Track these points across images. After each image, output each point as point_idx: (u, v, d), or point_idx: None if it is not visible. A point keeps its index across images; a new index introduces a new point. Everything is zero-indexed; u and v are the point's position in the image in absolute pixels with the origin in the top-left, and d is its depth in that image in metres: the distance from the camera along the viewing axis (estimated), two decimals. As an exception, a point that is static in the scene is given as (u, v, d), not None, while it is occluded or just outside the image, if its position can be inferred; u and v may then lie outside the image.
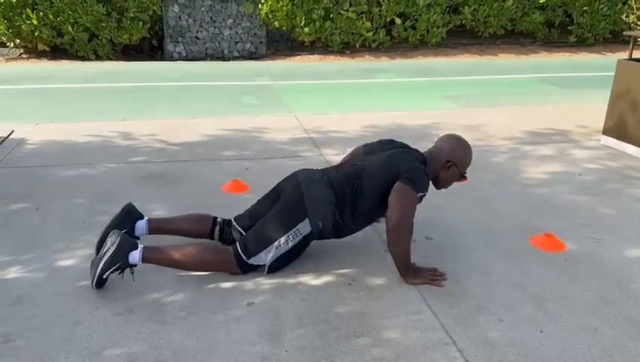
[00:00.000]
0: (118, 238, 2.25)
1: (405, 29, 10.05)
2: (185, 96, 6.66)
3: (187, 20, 9.18)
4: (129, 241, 2.28)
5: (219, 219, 2.64)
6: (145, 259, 2.29)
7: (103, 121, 5.03)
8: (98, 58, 8.98)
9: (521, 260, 2.62)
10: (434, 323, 2.13)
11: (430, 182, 2.53)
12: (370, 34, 9.78)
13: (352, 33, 9.69)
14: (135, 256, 2.27)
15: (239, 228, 2.57)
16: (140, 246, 2.31)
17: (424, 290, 2.35)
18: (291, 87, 7.23)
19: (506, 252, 2.70)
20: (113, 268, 2.24)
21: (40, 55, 9.04)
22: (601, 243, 2.81)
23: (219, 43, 9.40)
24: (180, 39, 9.23)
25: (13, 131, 4.58)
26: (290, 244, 2.39)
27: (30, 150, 4.14)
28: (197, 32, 9.26)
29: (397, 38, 10.16)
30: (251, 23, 9.43)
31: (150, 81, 7.40)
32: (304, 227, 2.39)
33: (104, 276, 2.23)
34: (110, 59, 9.03)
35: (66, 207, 3.09)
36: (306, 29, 9.26)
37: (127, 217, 2.57)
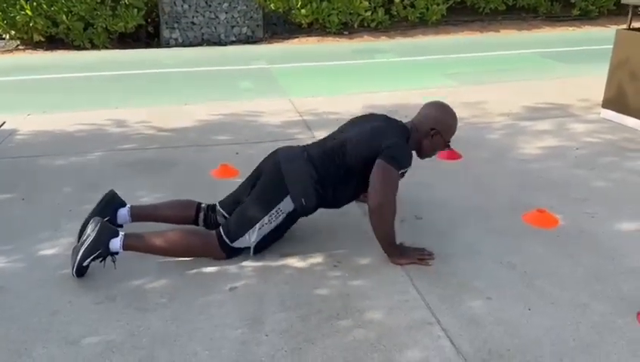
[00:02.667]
0: (98, 225, 2.21)
1: (404, 8, 9.88)
2: (179, 82, 6.59)
3: (182, 6, 9.07)
4: (109, 229, 2.25)
5: (203, 205, 2.60)
6: (126, 247, 2.26)
7: (95, 109, 4.98)
8: (94, 47, 8.91)
9: (512, 237, 2.56)
10: (419, 302, 2.08)
11: (414, 152, 2.47)
12: (369, 13, 9.63)
13: (350, 13, 9.54)
14: (116, 244, 2.24)
15: (223, 213, 2.53)
16: (121, 233, 2.27)
17: (411, 270, 2.30)
18: (288, 70, 7.14)
19: (497, 230, 2.64)
20: (93, 255, 2.20)
21: (36, 46, 8.98)
22: (596, 217, 2.75)
23: (215, 28, 9.30)
24: (175, 25, 9.14)
25: (4, 122, 4.55)
26: (274, 223, 2.35)
27: (20, 141, 4.11)
28: (192, 17, 9.16)
29: (396, 17, 9.99)
30: (247, 7, 9.31)
31: (145, 69, 7.33)
32: (286, 205, 2.34)
33: (84, 264, 2.20)
34: (106, 47, 8.96)
35: (52, 197, 3.06)
36: (303, 11, 9.12)
37: (109, 205, 2.53)
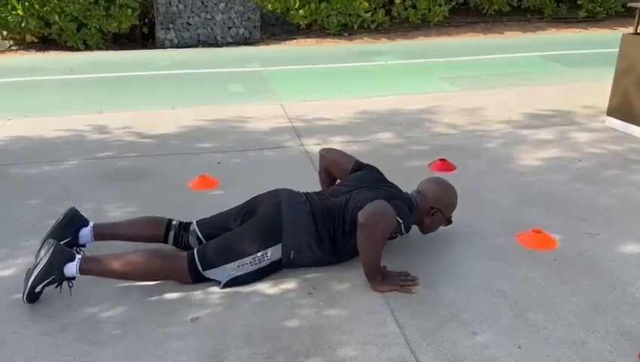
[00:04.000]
0: (51, 249, 2.03)
1: (405, 9, 9.66)
2: (169, 85, 6.42)
3: (177, 6, 8.89)
4: (64, 252, 2.06)
5: (174, 222, 2.41)
6: (82, 271, 2.07)
7: (78, 114, 4.81)
8: (87, 48, 8.74)
9: (504, 261, 2.36)
10: (398, 337, 1.88)
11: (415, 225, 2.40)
12: (369, 14, 9.42)
13: (350, 14, 9.33)
14: (72, 269, 2.05)
15: (199, 234, 2.34)
16: (78, 256, 2.09)
17: (392, 298, 2.10)
18: (282, 73, 6.95)
19: (488, 251, 2.44)
20: (46, 281, 2.02)
21: (29, 47, 8.83)
22: (597, 238, 2.53)
23: (211, 29, 9.11)
24: (171, 26, 8.96)
25: (-18, 127, 4.39)
26: (254, 267, 2.16)
27: (-4, 147, 3.94)
28: (188, 17, 8.98)
29: (397, 18, 9.78)
30: (244, 7, 9.12)
31: (136, 71, 7.15)
32: (275, 252, 2.18)
33: (36, 290, 2.02)
34: (100, 48, 8.79)
35: (17, 210, 2.88)
36: (301, 12, 8.93)
37: (70, 224, 2.33)
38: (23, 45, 8.91)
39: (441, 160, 3.45)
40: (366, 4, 9.21)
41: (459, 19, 10.31)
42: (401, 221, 2.15)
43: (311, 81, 6.60)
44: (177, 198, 3.02)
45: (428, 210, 2.36)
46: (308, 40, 9.27)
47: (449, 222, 2.44)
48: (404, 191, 2.41)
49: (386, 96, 5.33)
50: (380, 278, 2.15)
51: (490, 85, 5.84)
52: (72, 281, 2.09)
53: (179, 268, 2.14)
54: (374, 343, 1.86)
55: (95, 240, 2.38)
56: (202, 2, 8.96)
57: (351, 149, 3.79)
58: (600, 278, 2.22)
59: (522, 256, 2.40)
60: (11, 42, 9.07)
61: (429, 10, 9.72)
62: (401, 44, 9.22)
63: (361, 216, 2.05)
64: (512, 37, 9.68)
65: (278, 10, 9.12)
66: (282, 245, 2.18)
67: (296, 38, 9.36)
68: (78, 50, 8.74)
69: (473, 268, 2.30)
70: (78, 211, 2.39)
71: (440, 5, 9.68)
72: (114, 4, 8.57)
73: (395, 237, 2.37)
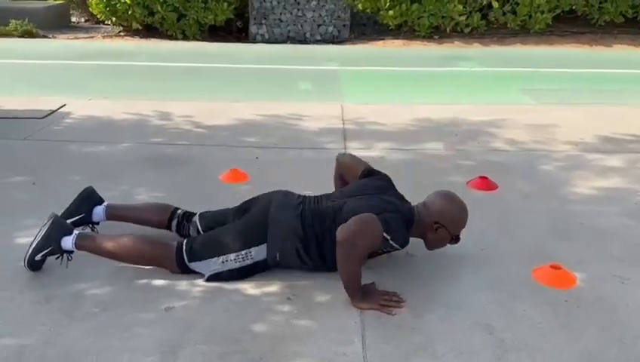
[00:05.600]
0: (50, 221, 2.18)
1: (504, 14, 9.15)
2: (245, 78, 6.62)
3: (271, 2, 9.13)
4: (62, 226, 2.20)
5: (179, 211, 2.48)
6: (78, 246, 2.20)
7: (151, 99, 5.10)
8: (185, 38, 9.26)
9: (507, 294, 2.16)
10: (357, 359, 1.79)
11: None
12: (463, 18, 9.05)
13: (443, 17, 9.03)
14: (68, 242, 2.19)
15: (199, 226, 2.39)
16: (75, 232, 2.22)
17: (370, 317, 2.00)
18: (357, 74, 6.90)
19: (494, 282, 2.25)
20: (45, 251, 2.17)
21: (134, 33, 9.53)
22: (626, 283, 2.24)
23: (301, 26, 9.25)
24: (263, 21, 9.23)
25: (64, 105, 4.80)
26: (237, 265, 2.17)
27: (67, 124, 4.29)
28: (280, 14, 9.19)
29: (494, 23, 9.29)
30: (335, 5, 9.15)
31: (220, 63, 7.44)
32: (259, 252, 2.17)
33: (36, 258, 2.17)
34: (196, 39, 9.27)
35: (60, 184, 3.11)
36: (391, 12, 8.78)
37: (85, 201, 2.49)
38: (130, 32, 9.63)
39: (481, 177, 3.23)
40: (460, 7, 8.85)
41: (563, 28, 9.58)
42: (388, 237, 2.05)
43: (383, 83, 6.49)
44: (204, 188, 3.11)
45: (431, 225, 2.20)
46: (395, 41, 9.10)
47: (455, 240, 2.26)
48: (410, 203, 2.30)
49: (453, 104, 5.09)
50: (361, 295, 2.05)
51: (574, 101, 5.37)
52: (71, 255, 2.22)
53: (167, 256, 2.19)
54: (334, 360, 1.79)
55: (107, 219, 2.51)
56: (295, 0, 9.14)
57: (392, 157, 3.70)
58: (610, 328, 1.96)
59: (530, 291, 2.18)
60: (120, 28, 9.85)
61: (530, 16, 9.13)
62: (494, 50, 8.76)
63: (339, 233, 1.98)
64: (622, 51, 8.81)
65: (369, 10, 9.05)
66: (267, 246, 2.17)
67: (384, 39, 9.23)
68: (176, 39, 9.29)
69: (468, 298, 2.13)
70: (94, 190, 2.55)
71: (542, 12, 9.05)
72: (212, -4, 9.00)
73: (388, 251, 2.25)
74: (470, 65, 7.42)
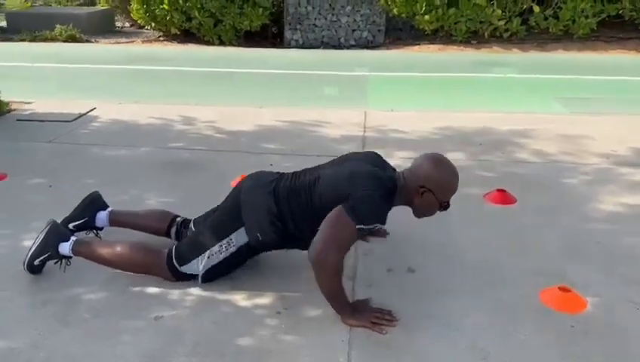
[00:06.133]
0: (47, 227, 2.22)
1: (546, 18, 8.85)
2: (272, 83, 6.64)
3: (306, 7, 9.15)
4: (59, 232, 2.24)
5: (178, 219, 2.49)
6: (75, 252, 2.23)
7: (178, 104, 5.17)
8: (222, 43, 9.39)
9: (508, 317, 2.04)
10: (339, 380, 1.74)
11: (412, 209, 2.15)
12: (502, 23, 8.80)
13: (481, 21, 8.81)
14: (65, 248, 2.22)
15: (194, 231, 2.39)
16: (73, 238, 2.25)
17: (360, 335, 1.94)
18: (387, 79, 6.80)
19: (497, 303, 2.13)
20: (43, 256, 2.21)
21: (173, 38, 9.74)
22: (642, 310, 2.09)
23: (336, 31, 9.23)
24: (298, 27, 9.25)
25: (94, 108, 4.93)
26: (223, 255, 2.15)
27: (94, 128, 4.40)
28: (315, 19, 9.19)
29: (535, 27, 9.00)
30: (370, 11, 9.09)
31: (251, 68, 7.50)
32: (239, 236, 2.14)
33: (35, 263, 2.21)
34: (232, 44, 9.38)
35: (75, 187, 3.16)
36: (427, 17, 8.64)
37: (90, 206, 2.53)
38: (169, 37, 9.85)
39: (499, 190, 3.11)
40: (499, 11, 8.61)
41: (609, 33, 9.18)
42: (362, 226, 1.93)
43: (412, 89, 6.37)
44: (214, 194, 3.04)
45: (417, 190, 2.05)
46: (431, 46, 8.95)
47: (443, 207, 2.10)
48: (395, 170, 2.18)
49: (481, 112, 4.94)
50: (351, 311, 1.99)
51: (613, 111, 5.11)
52: (70, 260, 2.25)
53: (159, 264, 2.19)
54: (313, 380, 1.74)
55: (110, 225, 2.54)
56: (330, 5, 9.11)
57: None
58: (618, 359, 1.82)
59: (535, 315, 2.06)
60: (160, 33, 10.09)
61: (574, 21, 8.79)
62: (534, 56, 8.48)
63: (309, 253, 1.92)
64: (672, 57, 8.38)
65: (404, 15, 8.93)
66: (245, 229, 2.13)
67: (419, 44, 9.09)
68: (213, 44, 9.44)
69: (467, 319, 2.03)
70: (99, 195, 2.58)
71: (586, 17, 8.70)
72: (248, 2, 9.08)
73: (373, 232, 2.09)
74: (505, 71, 7.19)
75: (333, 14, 9.18)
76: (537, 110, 5.14)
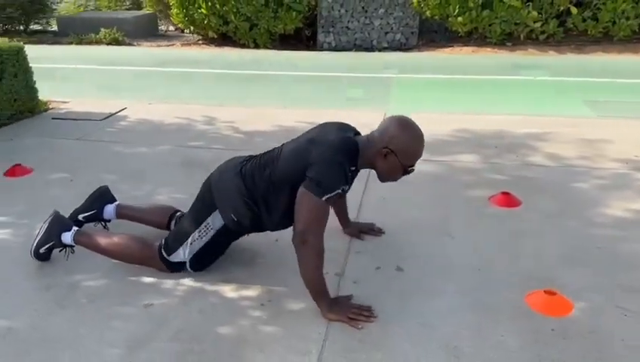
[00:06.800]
0: (50, 218, 2.37)
1: (584, 20, 8.59)
2: (299, 85, 6.73)
3: (339, 10, 9.22)
4: (61, 222, 2.38)
5: (178, 213, 2.60)
6: (76, 242, 2.37)
7: (203, 105, 5.34)
8: (256, 46, 9.58)
9: (491, 318, 2.04)
10: (309, 371, 1.79)
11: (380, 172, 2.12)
12: (538, 25, 8.60)
13: (516, 23, 8.64)
14: (67, 237, 2.36)
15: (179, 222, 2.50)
16: (74, 228, 2.39)
17: (336, 329, 1.98)
18: (414, 82, 6.77)
19: (480, 304, 2.13)
20: (47, 245, 2.36)
21: (210, 41, 10.00)
22: (630, 317, 2.04)
23: (368, 33, 9.25)
24: (331, 29, 9.33)
25: (125, 108, 5.16)
26: (204, 239, 2.24)
27: (120, 127, 4.61)
28: (348, 22, 9.25)
29: (573, 29, 8.75)
30: (403, 13, 9.06)
31: (281, 70, 7.63)
32: (215, 220, 2.22)
33: (40, 251, 2.36)
34: (267, 47, 9.56)
35: (94, 182, 3.30)
36: (460, 19, 8.54)
37: (98, 199, 2.68)
38: (207, 40, 10.13)
39: (503, 193, 3.08)
40: (535, 13, 8.42)
41: (653, 34, 8.83)
42: (330, 195, 1.94)
43: (436, 91, 6.33)
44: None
45: (380, 150, 2.02)
46: (464, 48, 8.84)
47: (406, 171, 2.07)
48: (357, 132, 2.18)
49: (503, 114, 4.88)
50: (329, 304, 2.04)
51: (641, 115, 4.95)
52: (73, 249, 2.40)
53: (151, 254, 2.30)
54: (283, 370, 1.80)
55: (117, 218, 2.68)
56: (363, 7, 9.15)
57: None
58: (592, 365, 1.80)
59: (516, 317, 2.05)
60: (199, 37, 10.38)
61: (614, 23, 8.50)
62: (570, 59, 8.25)
63: (292, 240, 1.98)
64: None
65: (437, 17, 8.86)
66: (220, 212, 2.19)
67: (452, 46, 9.00)
68: (248, 47, 9.64)
69: (446, 319, 2.04)
70: (108, 189, 2.73)
71: (627, 19, 8.39)
72: (282, 6, 9.23)
73: (341, 195, 2.11)
74: (537, 74, 7.04)
75: (366, 17, 9.21)
76: (562, 113, 5.02)
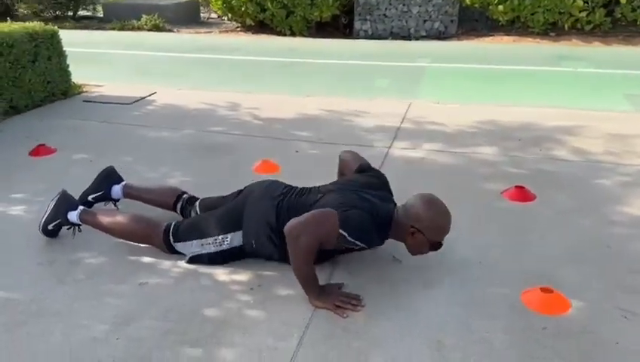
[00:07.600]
0: (57, 197, 2.45)
1: (634, 10, 8.15)
2: (327, 73, 6.71)
3: (377, -3, 9.11)
4: (68, 201, 2.46)
5: (185, 196, 2.64)
6: (82, 220, 2.45)
7: (230, 91, 5.40)
8: (292, 34, 9.58)
9: (482, 314, 1.99)
10: (287, 355, 1.79)
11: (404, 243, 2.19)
12: (584, 14, 8.22)
13: (561, 12, 8.29)
14: (73, 216, 2.44)
15: (198, 211, 2.54)
16: (80, 207, 2.47)
17: (320, 316, 1.98)
18: (446, 71, 6.62)
19: (474, 299, 2.08)
20: (55, 222, 2.44)
21: (248, 29, 10.07)
22: (630, 320, 1.95)
23: (406, 21, 9.09)
24: (367, 17, 9.22)
25: (154, 93, 5.27)
26: (214, 248, 2.28)
27: (146, 111, 4.71)
28: (385, 9, 9.11)
29: (621, 20, 8.32)
30: (443, 0, 8.84)
31: (312, 58, 7.61)
32: (235, 238, 2.26)
33: (49, 227, 2.45)
34: (303, 35, 9.54)
35: (113, 163, 3.35)
36: (500, 7, 8.27)
37: (106, 179, 2.75)
38: (244, 27, 10.20)
39: (517, 187, 2.98)
40: (580, 2, 8.05)
41: None
42: (345, 233, 1.98)
43: (468, 81, 6.17)
44: (233, 177, 3.23)
45: (408, 229, 2.09)
46: (505, 38, 8.57)
47: (434, 247, 2.12)
48: (395, 204, 2.20)
49: (532, 106, 4.71)
50: (317, 292, 2.04)
51: (687, 110, 4.67)
52: (80, 227, 2.48)
53: (156, 234, 2.35)
54: (261, 352, 1.81)
55: (124, 197, 2.75)
56: (401, -6, 9.00)
57: (432, 159, 3.54)
58: (580, 366, 1.73)
59: (509, 313, 1.99)
60: (239, 24, 10.47)
61: (667, 12, 8.04)
62: (617, 50, 7.86)
63: (286, 225, 1.98)
64: None
65: (477, 5, 8.60)
66: (243, 233, 2.23)
67: (492, 35, 8.73)
68: (285, 35, 9.66)
69: (434, 312, 2.00)
70: (114, 169, 2.80)
71: (682, 7, 7.92)
72: (318, -7, 9.20)
73: (352, 249, 2.15)
74: (579, 65, 6.75)
75: (404, 4, 9.05)
76: (599, 107, 4.80)
